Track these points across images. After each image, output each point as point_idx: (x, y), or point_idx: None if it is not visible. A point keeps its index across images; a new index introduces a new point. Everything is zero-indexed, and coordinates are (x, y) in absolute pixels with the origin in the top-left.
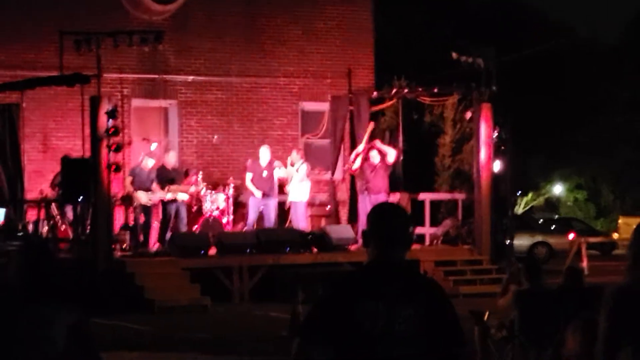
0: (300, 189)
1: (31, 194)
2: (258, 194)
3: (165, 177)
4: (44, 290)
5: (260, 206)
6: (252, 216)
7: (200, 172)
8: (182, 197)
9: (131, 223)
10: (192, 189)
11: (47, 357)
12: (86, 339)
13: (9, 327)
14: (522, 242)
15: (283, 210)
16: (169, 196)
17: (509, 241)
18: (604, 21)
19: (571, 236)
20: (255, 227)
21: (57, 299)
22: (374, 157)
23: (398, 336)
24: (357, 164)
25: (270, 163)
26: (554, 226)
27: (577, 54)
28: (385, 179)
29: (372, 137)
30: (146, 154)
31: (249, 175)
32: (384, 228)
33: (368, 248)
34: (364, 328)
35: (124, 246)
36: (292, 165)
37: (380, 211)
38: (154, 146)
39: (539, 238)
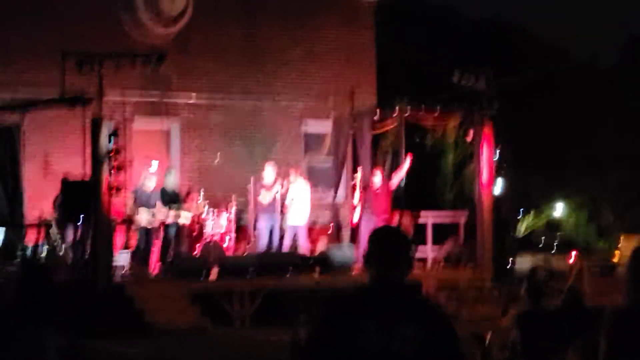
0: (301, 212)
1: (31, 215)
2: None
3: (167, 198)
4: (39, 313)
5: (269, 227)
6: (263, 238)
7: (202, 192)
8: (184, 219)
9: (131, 246)
10: (191, 212)
11: None
12: None
13: (3, 350)
14: (523, 263)
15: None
16: (170, 219)
17: (510, 262)
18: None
19: (572, 256)
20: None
21: (51, 322)
22: (376, 180)
23: (396, 356)
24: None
25: (274, 182)
26: (555, 247)
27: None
28: (388, 201)
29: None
30: (147, 175)
31: (262, 195)
32: (384, 250)
33: (368, 270)
34: (362, 348)
35: (123, 270)
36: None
37: (380, 234)
38: (154, 166)
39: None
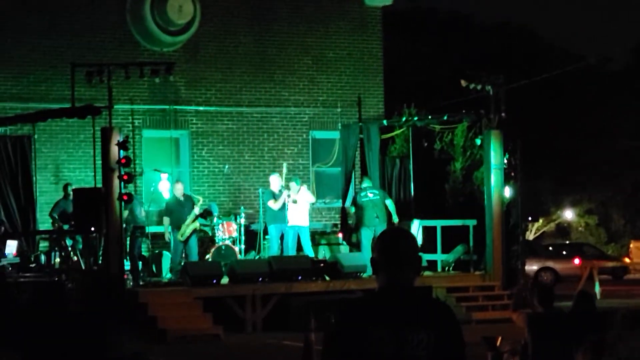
0: (304, 214)
1: (43, 225)
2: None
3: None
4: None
5: (279, 233)
6: (275, 245)
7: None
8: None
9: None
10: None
11: None
12: None
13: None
14: (529, 267)
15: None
16: (190, 229)
17: (520, 266)
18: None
19: (577, 261)
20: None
21: (118, 330)
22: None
23: None
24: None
25: (281, 190)
26: (562, 252)
27: (584, 80)
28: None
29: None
30: (176, 186)
31: (272, 202)
32: (392, 252)
33: (377, 274)
34: (375, 354)
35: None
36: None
37: (387, 236)
38: (164, 177)
39: (548, 263)
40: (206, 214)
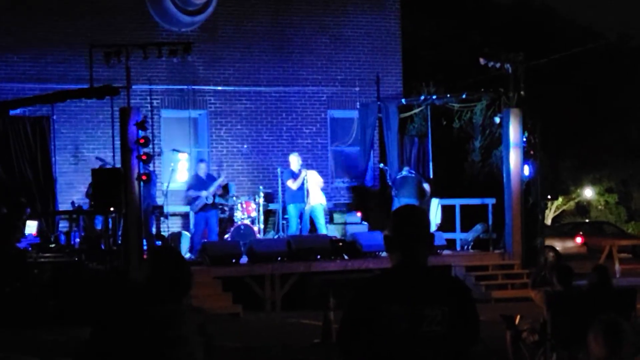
0: (319, 193)
1: (63, 205)
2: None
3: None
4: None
5: (298, 212)
6: (294, 224)
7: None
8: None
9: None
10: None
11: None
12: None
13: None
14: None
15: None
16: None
17: (539, 246)
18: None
19: (579, 240)
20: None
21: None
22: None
23: (424, 337)
24: None
25: (300, 170)
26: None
27: (604, 57)
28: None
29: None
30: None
31: (291, 182)
32: (407, 230)
33: (391, 253)
34: (392, 330)
35: None
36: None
37: (401, 214)
38: (183, 158)
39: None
40: (223, 191)
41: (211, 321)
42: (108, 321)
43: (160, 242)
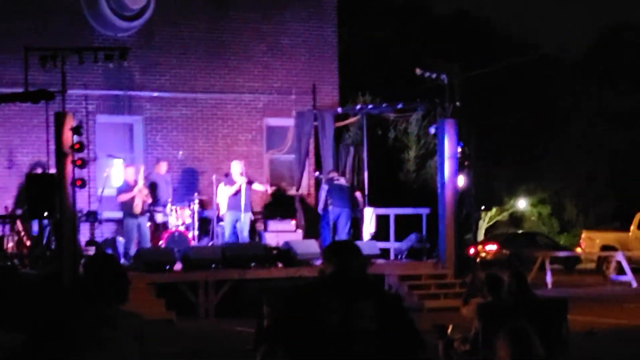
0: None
1: None
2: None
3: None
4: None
5: (233, 220)
6: (229, 231)
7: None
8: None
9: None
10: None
11: None
12: None
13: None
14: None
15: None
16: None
17: (472, 256)
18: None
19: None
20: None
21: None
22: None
23: (357, 332)
24: None
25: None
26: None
27: (541, 70)
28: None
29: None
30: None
31: (226, 190)
32: (343, 242)
33: (327, 266)
34: (323, 321)
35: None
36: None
37: (336, 249)
38: (118, 163)
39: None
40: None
41: (146, 326)
42: (42, 325)
43: (93, 248)
